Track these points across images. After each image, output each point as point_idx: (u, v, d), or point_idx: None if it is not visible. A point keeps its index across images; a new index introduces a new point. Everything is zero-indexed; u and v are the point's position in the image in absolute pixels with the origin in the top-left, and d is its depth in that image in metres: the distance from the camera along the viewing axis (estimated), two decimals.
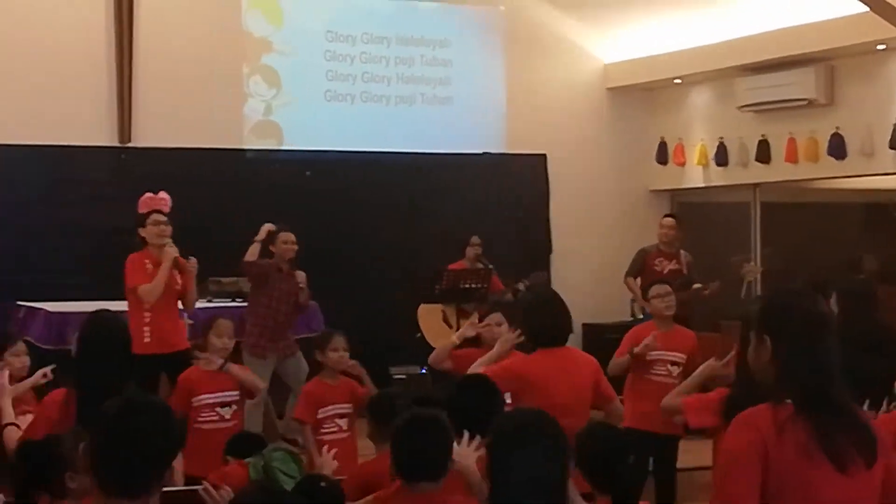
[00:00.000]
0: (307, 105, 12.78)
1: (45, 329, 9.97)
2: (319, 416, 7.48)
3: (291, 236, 10.05)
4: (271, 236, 10.05)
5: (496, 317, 7.46)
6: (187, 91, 12.14)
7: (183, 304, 9.08)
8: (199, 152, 12.05)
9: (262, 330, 9.97)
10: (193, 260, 8.95)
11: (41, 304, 10.41)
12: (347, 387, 7.62)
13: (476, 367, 6.38)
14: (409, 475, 4.33)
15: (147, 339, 8.67)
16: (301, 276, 10.05)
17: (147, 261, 8.84)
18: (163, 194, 9.31)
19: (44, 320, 10.07)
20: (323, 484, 4.76)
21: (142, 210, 9.11)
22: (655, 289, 8.17)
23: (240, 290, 10.95)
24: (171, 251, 8.82)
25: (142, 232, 8.91)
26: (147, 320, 8.72)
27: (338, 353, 7.62)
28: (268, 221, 10.17)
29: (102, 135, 11.93)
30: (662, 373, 7.76)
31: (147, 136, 12.03)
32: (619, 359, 7.81)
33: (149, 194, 9.29)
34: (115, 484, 3.20)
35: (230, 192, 11.84)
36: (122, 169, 11.95)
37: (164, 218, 8.94)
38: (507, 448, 3.65)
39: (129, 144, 11.99)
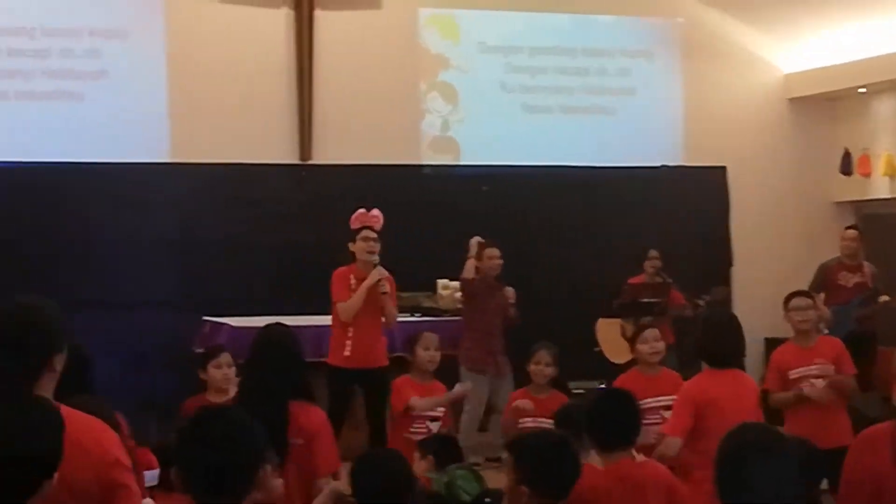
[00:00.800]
0: (484, 120, 12.81)
1: (229, 344, 10.14)
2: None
3: (496, 251, 10.12)
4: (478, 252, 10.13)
5: (653, 332, 7.41)
6: (366, 108, 12.29)
7: (385, 318, 9.16)
8: (377, 168, 12.19)
9: (479, 345, 10.05)
10: (385, 273, 9.01)
11: (225, 320, 10.62)
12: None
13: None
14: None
15: (347, 353, 8.87)
16: (510, 291, 10.11)
17: (352, 276, 8.97)
18: (375, 211, 9.28)
19: (227, 335, 10.25)
20: (487, 500, 4.85)
21: (354, 226, 9.17)
22: (795, 301, 7.81)
23: (418, 304, 11.06)
24: (377, 272, 8.91)
25: (351, 247, 9.04)
26: (350, 335, 8.88)
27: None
28: (450, 237, 10.25)
29: (284, 152, 12.17)
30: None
31: (327, 153, 12.23)
32: (780, 396, 7.63)
33: (361, 210, 9.30)
34: (196, 487, 3.27)
35: (408, 208, 11.92)
36: (303, 186, 12.16)
37: (374, 235, 9.03)
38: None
39: (310, 161, 12.20)
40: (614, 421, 5.06)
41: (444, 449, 6.22)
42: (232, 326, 10.30)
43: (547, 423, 6.77)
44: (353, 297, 8.85)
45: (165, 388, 10.96)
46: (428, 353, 7.67)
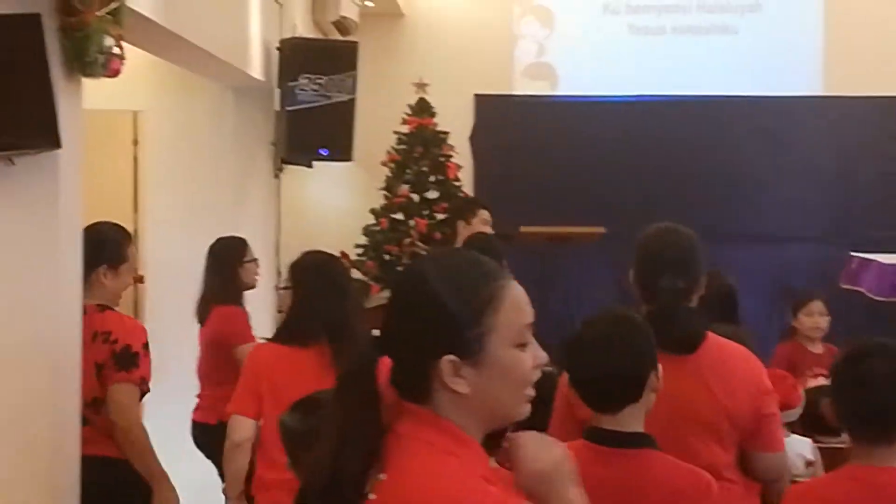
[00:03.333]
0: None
1: (877, 281, 10.01)
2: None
3: None
4: None
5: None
6: None
7: None
8: None
9: None
10: None
11: (873, 256, 10.44)
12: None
13: None
14: None
15: None
16: None
17: None
18: None
19: (877, 272, 10.10)
20: None
21: None
22: None
23: None
24: None
25: None
26: None
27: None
28: None
29: None
30: None
31: None
32: None
33: None
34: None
35: None
36: None
37: None
38: None
39: None
40: None
41: None
42: (880, 263, 10.13)
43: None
44: None
45: None
46: None
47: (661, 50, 11.83)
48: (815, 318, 7.15)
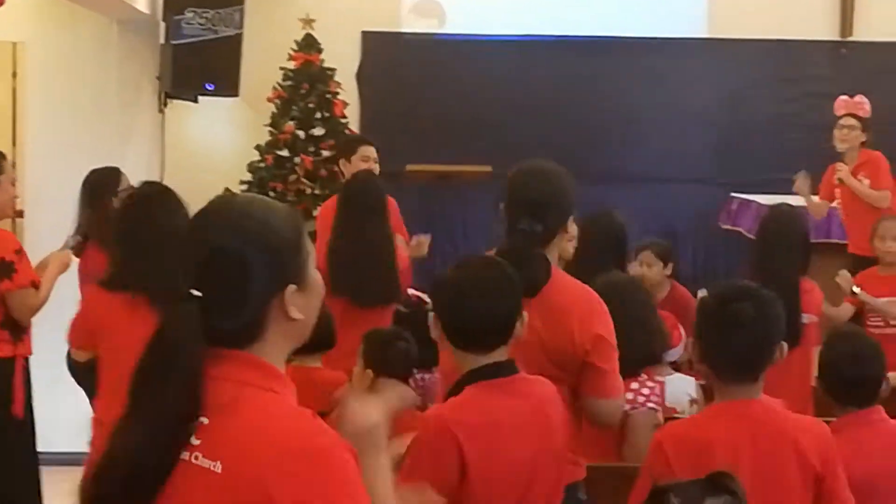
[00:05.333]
0: None
1: (756, 221, 10.18)
2: None
3: None
4: None
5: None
6: None
7: None
8: None
9: None
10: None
11: (754, 197, 10.63)
12: None
13: None
14: None
15: None
16: None
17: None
18: (860, 98, 9.06)
19: (755, 213, 10.27)
20: None
21: (837, 112, 9.02)
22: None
23: None
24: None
25: None
26: None
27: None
28: None
29: (823, 29, 11.84)
30: None
31: (870, 29, 11.76)
32: None
33: (844, 97, 9.10)
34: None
35: None
36: (842, 63, 11.79)
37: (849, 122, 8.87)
38: None
39: (850, 38, 11.80)
40: None
41: None
42: (759, 204, 10.31)
43: None
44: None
45: (692, 262, 11.21)
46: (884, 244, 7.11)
47: None
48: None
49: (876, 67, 11.43)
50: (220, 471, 1.98)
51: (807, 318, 6.04)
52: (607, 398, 3.79)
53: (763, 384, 3.41)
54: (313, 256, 2.19)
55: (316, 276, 2.18)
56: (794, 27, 11.65)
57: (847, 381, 3.95)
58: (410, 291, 6.25)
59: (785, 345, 3.44)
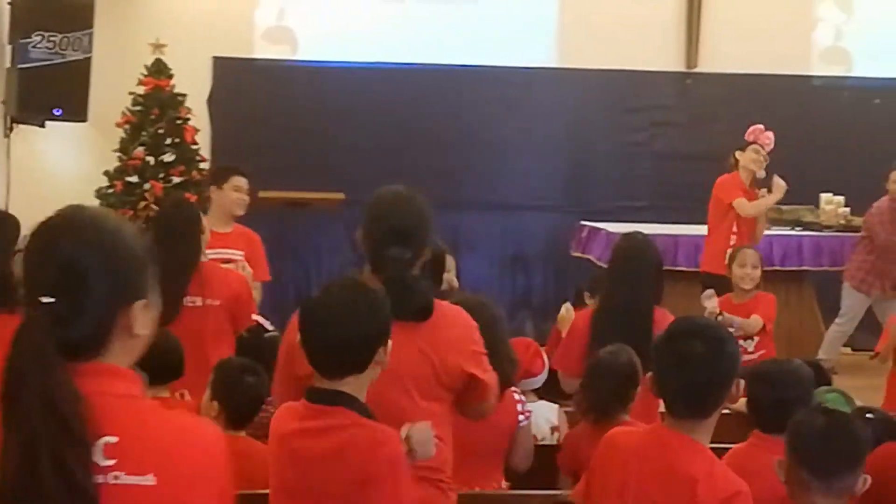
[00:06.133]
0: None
1: (604, 249, 10.35)
2: None
3: None
4: None
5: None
6: (755, 16, 11.99)
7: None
8: (763, 78, 11.90)
9: (864, 265, 9.98)
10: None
11: (602, 225, 10.79)
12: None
13: None
14: None
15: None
16: None
17: (739, 184, 9.04)
18: (766, 132, 9.18)
19: (605, 241, 10.43)
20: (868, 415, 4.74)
21: (747, 138, 9.16)
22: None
23: (798, 218, 10.87)
24: (782, 188, 8.97)
25: (738, 154, 9.09)
26: (733, 243, 8.74)
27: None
28: (836, 150, 9.98)
29: (669, 60, 12.11)
30: None
31: (714, 61, 12.07)
32: None
33: (758, 126, 9.21)
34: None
35: (794, 121, 11.60)
36: (687, 94, 12.09)
37: (764, 151, 9.02)
38: None
39: (695, 70, 12.09)
40: None
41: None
42: (608, 232, 10.47)
43: None
44: (759, 202, 9.00)
45: (543, 289, 11.35)
46: (743, 269, 7.46)
47: (403, 17, 11.83)
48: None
49: (720, 98, 11.76)
50: (154, 483, 1.98)
51: None
52: (488, 400, 3.83)
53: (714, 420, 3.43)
54: (157, 277, 2.20)
55: (156, 293, 2.19)
56: (641, 58, 11.87)
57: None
58: (254, 317, 6.18)
59: (742, 381, 3.48)
